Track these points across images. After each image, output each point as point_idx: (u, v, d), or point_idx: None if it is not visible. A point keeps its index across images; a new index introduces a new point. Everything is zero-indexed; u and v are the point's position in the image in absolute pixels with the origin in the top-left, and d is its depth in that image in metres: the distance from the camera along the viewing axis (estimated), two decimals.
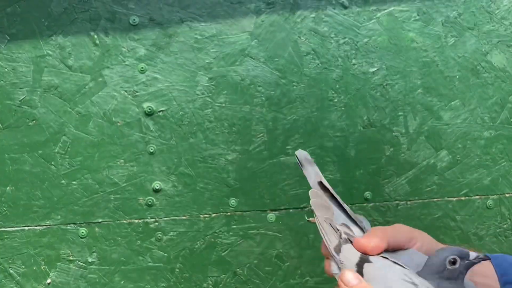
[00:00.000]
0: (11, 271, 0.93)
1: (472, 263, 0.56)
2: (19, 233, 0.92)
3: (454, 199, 0.98)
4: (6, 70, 0.89)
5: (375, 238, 0.60)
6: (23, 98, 0.90)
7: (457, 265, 0.55)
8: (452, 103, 0.96)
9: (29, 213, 0.92)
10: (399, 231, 0.62)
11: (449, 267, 0.55)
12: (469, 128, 0.96)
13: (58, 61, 0.90)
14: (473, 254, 0.56)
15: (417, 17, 0.93)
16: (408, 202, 0.97)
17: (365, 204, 0.96)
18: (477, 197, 0.98)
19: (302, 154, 0.69)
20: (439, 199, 0.98)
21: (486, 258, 0.57)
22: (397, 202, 0.97)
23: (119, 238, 0.93)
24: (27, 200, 0.91)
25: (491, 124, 0.97)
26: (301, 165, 0.67)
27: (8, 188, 0.91)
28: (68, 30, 0.89)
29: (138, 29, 0.90)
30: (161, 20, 0.90)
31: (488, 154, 0.97)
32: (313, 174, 0.67)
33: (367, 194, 0.96)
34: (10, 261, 0.92)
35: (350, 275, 0.57)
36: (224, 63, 0.92)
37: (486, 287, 0.64)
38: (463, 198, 0.98)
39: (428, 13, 0.93)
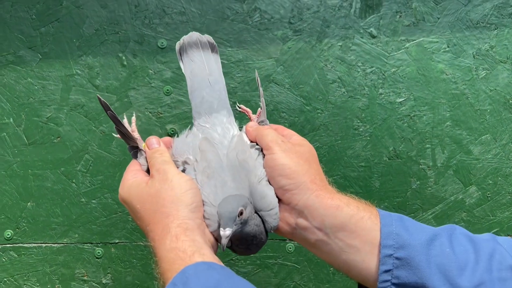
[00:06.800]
0: None
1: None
2: (36, 249, 0.92)
3: None
4: (36, 87, 0.91)
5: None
6: (50, 116, 0.91)
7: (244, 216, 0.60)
8: (483, 137, 0.92)
9: (48, 230, 0.92)
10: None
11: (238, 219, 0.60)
12: (500, 164, 0.92)
13: (86, 80, 0.91)
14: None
15: (447, 49, 0.92)
16: None
17: None
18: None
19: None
20: None
21: None
22: None
23: (134, 260, 0.92)
24: (47, 216, 0.92)
25: None
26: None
27: (29, 203, 0.91)
28: (98, 51, 0.91)
29: (166, 52, 0.91)
30: None
31: None
32: None
33: None
34: (25, 278, 0.92)
35: (153, 139, 0.66)
36: (248, 88, 0.92)
37: (349, 248, 0.59)
38: None
39: (459, 45, 0.91)
